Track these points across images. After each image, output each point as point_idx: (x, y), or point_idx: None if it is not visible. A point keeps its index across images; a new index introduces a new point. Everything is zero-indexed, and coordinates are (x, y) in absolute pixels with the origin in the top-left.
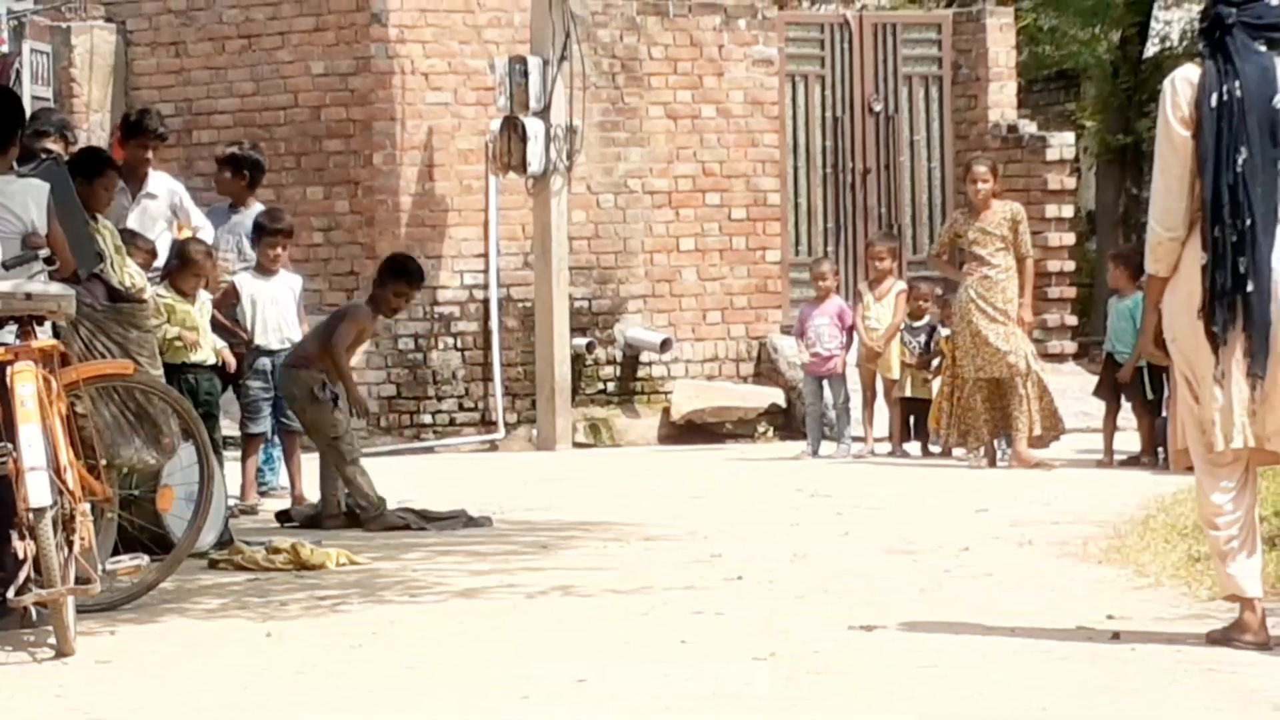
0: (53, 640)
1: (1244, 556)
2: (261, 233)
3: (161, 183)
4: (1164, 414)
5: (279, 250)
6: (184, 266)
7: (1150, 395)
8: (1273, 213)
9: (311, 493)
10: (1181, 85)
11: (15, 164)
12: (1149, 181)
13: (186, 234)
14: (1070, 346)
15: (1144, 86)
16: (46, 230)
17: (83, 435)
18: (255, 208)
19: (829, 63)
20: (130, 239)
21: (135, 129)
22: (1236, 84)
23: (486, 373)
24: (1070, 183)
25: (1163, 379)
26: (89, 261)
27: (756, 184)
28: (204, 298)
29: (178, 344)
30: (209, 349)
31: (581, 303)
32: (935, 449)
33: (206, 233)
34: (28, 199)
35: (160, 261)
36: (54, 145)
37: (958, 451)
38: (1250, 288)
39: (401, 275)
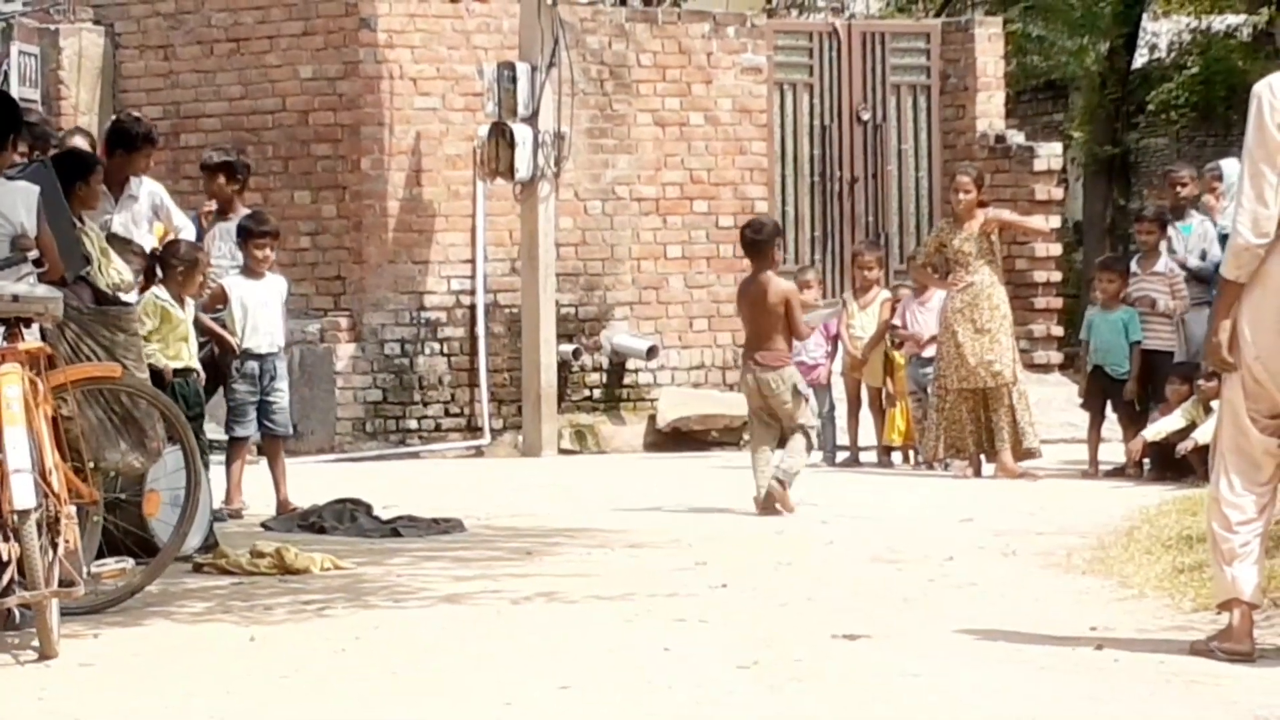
0: (36, 643)
1: (1250, 562)
2: (248, 235)
3: (141, 185)
4: (1150, 424)
5: (266, 252)
6: (190, 270)
7: (1139, 407)
8: None
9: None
10: None
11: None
12: (1136, 192)
13: (170, 236)
14: (1056, 357)
15: (1131, 97)
16: (36, 233)
17: (69, 438)
18: (243, 212)
19: (817, 71)
20: (124, 246)
21: (144, 139)
22: None
23: (472, 378)
24: (1057, 193)
25: (1147, 391)
26: (76, 264)
27: (744, 192)
28: (189, 305)
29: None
30: (192, 354)
31: (568, 309)
32: (920, 459)
33: (188, 233)
34: (17, 201)
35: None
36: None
37: (955, 464)
38: None
39: None
